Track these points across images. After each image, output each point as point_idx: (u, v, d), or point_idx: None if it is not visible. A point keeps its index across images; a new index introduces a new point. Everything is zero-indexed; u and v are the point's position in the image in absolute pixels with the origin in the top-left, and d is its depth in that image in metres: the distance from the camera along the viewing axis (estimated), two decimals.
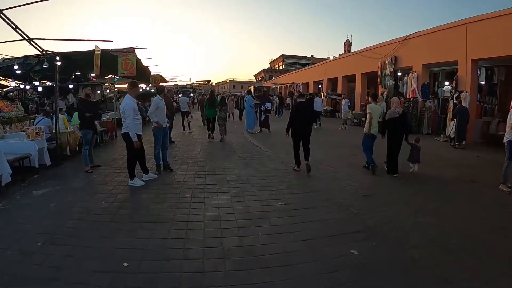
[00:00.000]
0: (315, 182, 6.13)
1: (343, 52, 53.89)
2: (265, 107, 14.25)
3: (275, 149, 9.49)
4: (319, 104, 17.63)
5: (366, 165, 6.98)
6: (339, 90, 21.97)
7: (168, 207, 4.74)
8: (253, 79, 71.82)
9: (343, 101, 16.58)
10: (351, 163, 7.73)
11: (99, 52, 7.73)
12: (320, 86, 27.40)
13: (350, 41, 65.50)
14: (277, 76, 50.17)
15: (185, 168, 7.07)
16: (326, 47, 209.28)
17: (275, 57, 70.25)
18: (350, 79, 21.52)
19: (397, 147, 6.71)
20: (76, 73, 9.75)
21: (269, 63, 71.79)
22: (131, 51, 8.28)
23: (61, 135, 8.31)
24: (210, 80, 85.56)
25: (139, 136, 5.75)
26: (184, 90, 36.21)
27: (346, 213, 4.57)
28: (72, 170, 7.12)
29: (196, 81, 74.28)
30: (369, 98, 8.16)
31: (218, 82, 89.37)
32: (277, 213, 4.49)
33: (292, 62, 64.09)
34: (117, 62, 8.31)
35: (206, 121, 12.53)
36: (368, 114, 7.02)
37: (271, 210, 4.58)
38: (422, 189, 5.83)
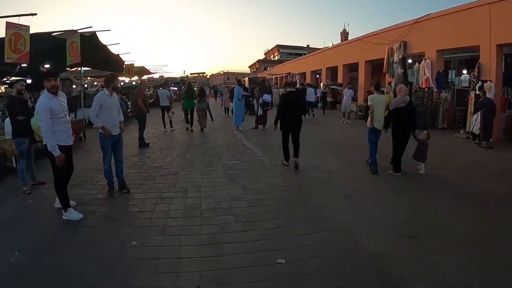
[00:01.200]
0: (329, 211, 4.24)
1: (340, 42, 51.55)
2: (263, 99, 11.89)
3: (270, 152, 7.61)
4: (312, 94, 16.56)
5: (373, 168, 6.03)
6: (340, 80, 19.89)
7: (100, 266, 2.86)
8: (248, 70, 69.41)
9: (346, 92, 14.34)
10: (368, 174, 5.92)
11: (25, 32, 5.69)
12: (318, 76, 25.38)
13: (347, 30, 63.01)
14: (272, 67, 47.89)
15: (148, 187, 5.13)
16: (322, 37, 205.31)
17: (270, 48, 67.69)
18: (351, 68, 19.51)
19: (403, 143, 5.93)
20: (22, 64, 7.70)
21: (264, 54, 69.05)
22: (84, 32, 6.30)
23: (5, 142, 6.40)
24: (204, 73, 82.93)
25: (64, 148, 3.84)
26: (175, 82, 33.83)
27: (391, 281, 2.71)
28: (10, 190, 5.17)
29: (191, 74, 71.91)
30: (372, 88, 7.65)
31: (212, 74, 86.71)
32: (275, 285, 2.64)
33: (288, 53, 61.61)
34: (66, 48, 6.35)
35: (184, 113, 11.85)
36: (370, 106, 6.24)
37: (264, 278, 2.69)
38: (481, 217, 3.98)
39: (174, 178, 5.58)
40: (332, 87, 19.49)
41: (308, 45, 65.08)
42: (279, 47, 63.94)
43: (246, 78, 26.22)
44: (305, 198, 4.74)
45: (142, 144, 8.50)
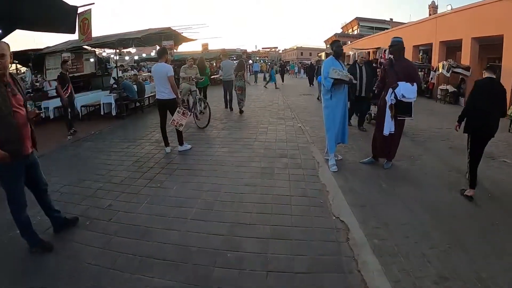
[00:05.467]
0: None
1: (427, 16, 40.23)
2: (395, 96, 4.77)
3: None
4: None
5: None
6: (465, 61, 13.00)
7: None
8: (323, 45, 61.85)
9: None
10: None
11: None
12: (420, 52, 18.28)
13: (436, 4, 50.55)
14: (352, 41, 40.18)
15: None
16: (408, 11, 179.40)
17: (348, 21, 58.69)
18: (485, 44, 12.71)
19: None
20: None
21: (341, 28, 60.33)
22: None
23: None
24: (276, 47, 77.61)
25: None
26: (235, 55, 25.00)
27: None
28: None
29: (263, 48, 67.36)
30: None
31: (285, 49, 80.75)
32: None
33: (369, 26, 52.50)
34: None
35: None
36: None
37: None
38: None
39: None
40: (457, 70, 12.50)
41: (391, 19, 55.25)
42: (358, 20, 55.21)
43: (323, 54, 20.61)
44: None
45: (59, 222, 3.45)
